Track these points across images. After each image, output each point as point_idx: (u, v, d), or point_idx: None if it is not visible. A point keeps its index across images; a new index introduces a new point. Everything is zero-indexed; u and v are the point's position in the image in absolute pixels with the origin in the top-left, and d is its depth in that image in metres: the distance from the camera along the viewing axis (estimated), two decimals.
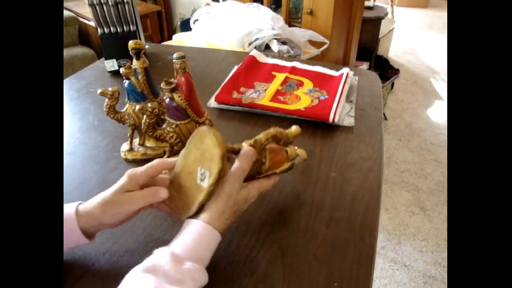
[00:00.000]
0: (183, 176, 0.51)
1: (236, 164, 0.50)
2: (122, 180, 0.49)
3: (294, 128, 0.58)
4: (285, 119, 0.82)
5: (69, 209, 0.47)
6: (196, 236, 0.45)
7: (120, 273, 0.50)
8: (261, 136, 0.51)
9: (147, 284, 0.39)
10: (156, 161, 0.51)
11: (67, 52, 2.47)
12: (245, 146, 0.51)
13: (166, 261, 0.42)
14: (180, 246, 0.44)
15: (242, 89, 0.92)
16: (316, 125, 0.80)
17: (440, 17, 4.47)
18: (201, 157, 0.49)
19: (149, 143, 0.73)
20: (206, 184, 0.47)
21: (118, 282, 0.49)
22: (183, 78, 0.59)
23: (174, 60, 0.59)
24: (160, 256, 0.43)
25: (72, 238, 0.47)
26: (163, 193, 0.49)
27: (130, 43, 0.65)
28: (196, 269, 0.43)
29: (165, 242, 0.54)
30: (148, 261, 0.43)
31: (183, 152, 0.52)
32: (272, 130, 0.52)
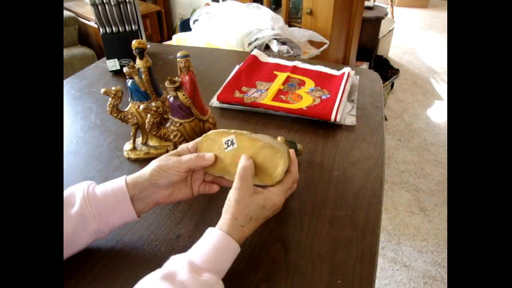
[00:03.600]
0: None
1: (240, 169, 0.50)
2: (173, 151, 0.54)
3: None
4: (287, 118, 0.83)
5: (118, 182, 0.51)
6: (214, 245, 0.44)
7: (124, 272, 0.51)
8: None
9: None
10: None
11: (67, 52, 2.47)
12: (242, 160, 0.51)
13: (184, 271, 0.41)
14: (198, 256, 0.43)
15: (244, 89, 0.92)
16: (318, 124, 0.81)
17: (440, 17, 4.48)
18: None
19: (152, 142, 0.73)
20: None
21: (122, 280, 0.50)
22: (187, 77, 0.59)
23: (178, 59, 0.59)
24: (178, 264, 0.42)
25: (121, 211, 0.50)
26: (210, 156, 0.53)
27: (134, 42, 0.65)
28: (213, 281, 0.42)
29: (169, 240, 0.55)
30: (165, 268, 0.42)
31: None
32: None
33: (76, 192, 0.50)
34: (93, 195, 0.49)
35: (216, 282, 0.42)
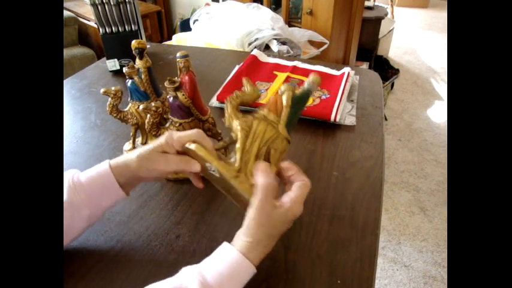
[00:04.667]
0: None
1: (256, 186, 0.45)
2: (160, 140, 0.51)
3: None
4: None
5: (102, 166, 0.51)
6: (231, 267, 0.42)
7: (124, 271, 0.51)
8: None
9: None
10: (196, 133, 0.50)
11: (67, 52, 2.47)
12: (258, 164, 0.47)
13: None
14: (211, 274, 0.41)
15: (244, 89, 0.92)
16: (318, 124, 0.81)
17: (440, 17, 4.48)
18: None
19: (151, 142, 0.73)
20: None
21: (121, 279, 0.50)
22: (186, 77, 0.59)
23: (177, 59, 0.59)
24: (189, 280, 0.40)
25: (110, 193, 0.50)
26: (196, 166, 0.50)
27: (134, 43, 0.65)
28: None
29: (168, 240, 0.55)
30: (176, 282, 0.40)
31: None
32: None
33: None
34: (79, 183, 0.49)
35: None
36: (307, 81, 0.55)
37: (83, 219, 0.50)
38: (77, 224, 0.50)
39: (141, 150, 0.51)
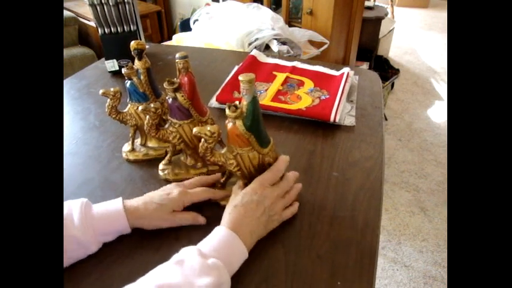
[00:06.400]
0: None
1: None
2: (172, 198, 0.56)
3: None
4: (286, 119, 0.83)
5: (115, 204, 0.54)
6: (220, 238, 0.49)
7: (123, 273, 0.51)
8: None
9: (175, 274, 0.43)
10: (204, 192, 0.60)
11: (67, 52, 2.47)
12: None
13: (193, 256, 0.45)
14: (204, 245, 0.48)
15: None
16: (317, 125, 0.80)
17: (440, 17, 4.47)
18: None
19: (151, 143, 0.73)
20: None
21: (121, 281, 0.49)
22: (185, 78, 0.59)
23: (176, 60, 0.59)
24: (186, 252, 0.46)
25: (118, 231, 0.55)
26: (201, 220, 0.58)
27: (133, 43, 0.65)
28: (220, 265, 0.45)
29: (168, 242, 0.55)
30: (176, 257, 0.46)
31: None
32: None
33: (73, 213, 0.51)
34: (90, 216, 0.52)
35: (222, 267, 0.45)
36: (242, 89, 0.51)
37: (90, 251, 0.53)
38: (82, 254, 0.52)
39: (151, 205, 0.55)
